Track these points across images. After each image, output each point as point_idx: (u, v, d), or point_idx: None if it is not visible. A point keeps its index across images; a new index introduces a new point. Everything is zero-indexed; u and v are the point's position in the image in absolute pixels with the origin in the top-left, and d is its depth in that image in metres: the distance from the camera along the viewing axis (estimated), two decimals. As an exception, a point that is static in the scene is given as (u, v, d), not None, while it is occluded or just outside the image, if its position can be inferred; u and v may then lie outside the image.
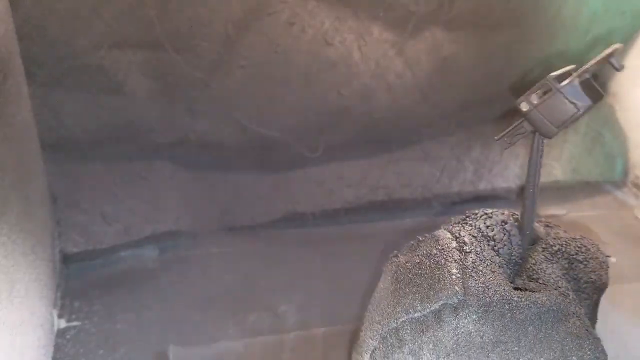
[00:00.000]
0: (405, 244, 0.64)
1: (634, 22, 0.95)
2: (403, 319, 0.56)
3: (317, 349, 0.73)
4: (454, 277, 0.56)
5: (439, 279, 0.56)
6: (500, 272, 0.59)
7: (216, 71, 0.84)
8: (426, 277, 0.57)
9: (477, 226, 0.63)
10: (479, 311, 0.53)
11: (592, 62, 0.56)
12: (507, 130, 0.58)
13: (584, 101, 0.55)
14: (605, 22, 0.95)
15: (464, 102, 1.00)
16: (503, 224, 0.63)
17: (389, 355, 0.57)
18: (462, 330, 0.53)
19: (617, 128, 1.13)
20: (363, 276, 0.86)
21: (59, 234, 0.83)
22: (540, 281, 0.59)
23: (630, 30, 0.97)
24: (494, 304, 0.54)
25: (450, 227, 0.64)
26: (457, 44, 0.92)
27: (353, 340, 0.67)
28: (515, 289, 0.57)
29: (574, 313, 0.56)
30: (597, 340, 0.55)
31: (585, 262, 0.62)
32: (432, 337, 0.54)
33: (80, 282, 0.83)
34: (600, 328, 0.60)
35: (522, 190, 0.92)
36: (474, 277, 0.56)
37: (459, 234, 0.61)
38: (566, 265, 0.61)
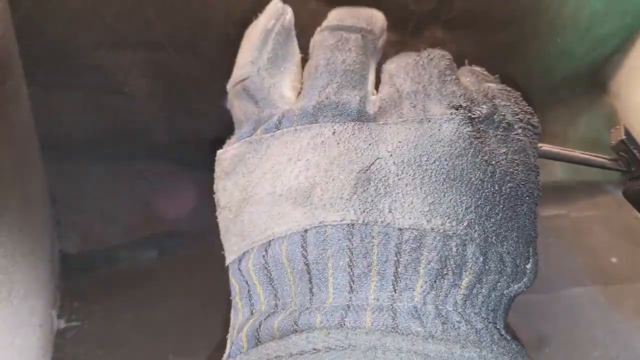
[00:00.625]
0: None
1: (634, 22, 0.95)
2: None
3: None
4: None
5: None
6: None
7: (216, 71, 0.84)
8: None
9: None
10: None
11: None
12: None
13: None
14: (605, 22, 0.94)
15: (464, 102, 1.00)
16: None
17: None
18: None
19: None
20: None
21: (59, 234, 0.83)
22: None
23: (631, 30, 0.97)
24: None
25: None
26: (457, 44, 0.92)
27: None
28: None
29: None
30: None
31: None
32: None
33: (80, 282, 0.83)
34: (601, 329, 0.60)
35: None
36: None
37: None
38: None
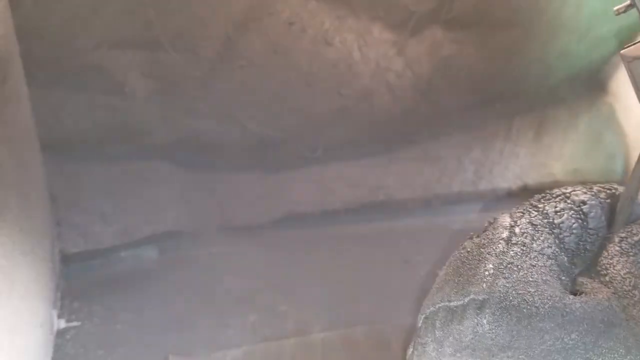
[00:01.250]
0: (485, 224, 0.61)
1: (634, 22, 0.95)
2: (439, 305, 0.55)
3: (317, 354, 0.73)
4: (486, 273, 0.54)
5: (475, 273, 0.55)
6: (549, 265, 0.54)
7: (216, 71, 0.84)
8: (468, 268, 0.56)
9: (544, 211, 0.57)
10: (496, 313, 0.52)
11: None
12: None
13: None
14: (605, 22, 0.94)
15: (464, 102, 1.00)
16: (581, 204, 0.56)
17: (422, 337, 0.56)
18: (480, 328, 0.52)
19: (617, 128, 1.13)
20: (363, 276, 0.86)
21: (59, 234, 0.83)
22: (608, 277, 0.53)
23: (631, 31, 0.97)
24: (514, 307, 0.51)
25: (516, 210, 0.59)
26: (457, 44, 0.92)
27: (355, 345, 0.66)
28: (574, 289, 0.52)
29: (623, 321, 0.50)
30: None
31: None
32: (455, 330, 0.53)
33: (80, 282, 0.83)
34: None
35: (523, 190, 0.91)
36: (504, 274, 0.53)
37: (517, 222, 0.57)
38: None
